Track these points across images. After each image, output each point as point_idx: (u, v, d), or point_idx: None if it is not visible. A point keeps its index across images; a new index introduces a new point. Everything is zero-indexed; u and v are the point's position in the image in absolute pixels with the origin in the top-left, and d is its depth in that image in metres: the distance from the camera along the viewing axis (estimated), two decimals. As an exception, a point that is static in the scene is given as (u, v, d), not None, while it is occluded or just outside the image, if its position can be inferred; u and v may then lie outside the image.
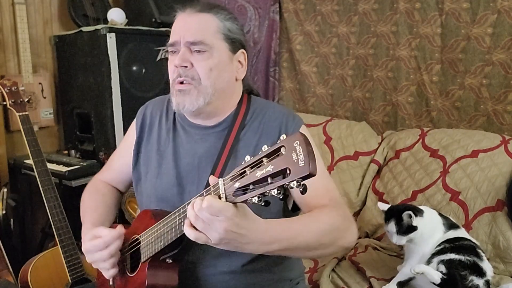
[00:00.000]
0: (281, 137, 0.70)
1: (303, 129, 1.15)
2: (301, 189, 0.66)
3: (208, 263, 1.10)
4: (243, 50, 1.14)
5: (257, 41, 2.70)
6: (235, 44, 1.12)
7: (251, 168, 0.72)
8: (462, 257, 1.39)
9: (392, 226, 1.46)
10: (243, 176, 0.73)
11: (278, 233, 0.88)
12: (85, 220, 1.19)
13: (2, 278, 1.76)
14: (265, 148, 0.72)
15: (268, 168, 0.68)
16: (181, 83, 1.08)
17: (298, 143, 0.66)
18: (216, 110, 1.14)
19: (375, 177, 2.07)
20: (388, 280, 1.54)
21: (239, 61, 1.14)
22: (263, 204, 0.71)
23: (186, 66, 1.07)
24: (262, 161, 0.71)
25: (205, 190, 0.82)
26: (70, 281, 1.72)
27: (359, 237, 2.01)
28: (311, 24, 2.53)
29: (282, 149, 0.68)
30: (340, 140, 2.20)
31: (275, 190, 0.68)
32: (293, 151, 0.66)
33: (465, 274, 1.36)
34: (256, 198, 0.70)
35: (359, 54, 2.39)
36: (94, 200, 1.26)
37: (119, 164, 1.30)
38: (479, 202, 1.71)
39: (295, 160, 0.65)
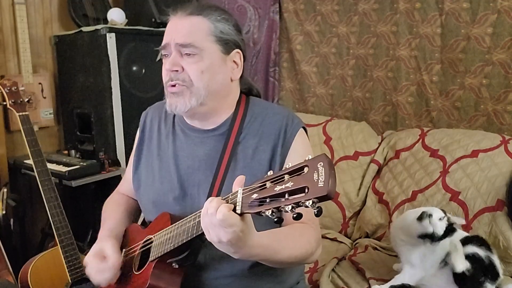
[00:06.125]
0: (307, 157, 0.70)
1: (301, 133, 1.15)
2: (315, 210, 0.67)
3: (210, 267, 1.10)
4: (238, 50, 1.13)
5: (257, 41, 2.70)
6: (228, 45, 1.11)
7: (272, 182, 0.73)
8: (482, 253, 1.39)
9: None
10: (262, 189, 0.74)
11: (262, 250, 0.90)
12: (102, 228, 1.22)
13: (2, 278, 1.76)
14: (289, 165, 0.72)
15: (288, 184, 0.69)
16: (173, 86, 1.09)
17: (322, 164, 0.67)
18: (211, 111, 1.13)
19: (375, 177, 2.07)
20: (387, 281, 1.54)
21: (234, 61, 1.13)
22: (275, 219, 0.71)
23: (177, 70, 1.08)
24: (283, 177, 0.71)
25: (229, 195, 0.82)
26: (70, 281, 1.72)
27: (359, 237, 2.01)
28: (311, 24, 2.53)
29: (305, 169, 0.69)
30: (340, 140, 2.20)
31: (290, 207, 0.68)
32: (315, 171, 0.67)
33: (483, 281, 1.36)
34: (269, 211, 0.71)
35: (359, 54, 2.39)
36: (110, 210, 1.30)
37: (130, 175, 1.30)
38: (479, 202, 1.71)
39: (315, 180, 0.66)
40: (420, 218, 1.44)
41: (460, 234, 1.50)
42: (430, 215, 1.42)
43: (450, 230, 1.46)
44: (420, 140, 2.00)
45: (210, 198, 0.82)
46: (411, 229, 1.47)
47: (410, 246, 1.50)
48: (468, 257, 1.39)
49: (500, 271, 1.41)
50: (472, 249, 1.41)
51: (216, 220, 0.78)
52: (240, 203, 0.77)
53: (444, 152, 1.88)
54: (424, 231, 1.42)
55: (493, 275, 1.39)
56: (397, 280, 1.51)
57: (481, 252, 1.40)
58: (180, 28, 1.08)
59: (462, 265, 1.34)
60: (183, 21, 1.09)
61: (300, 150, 1.12)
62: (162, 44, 1.11)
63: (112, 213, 1.28)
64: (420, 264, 1.48)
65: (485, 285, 1.36)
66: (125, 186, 1.36)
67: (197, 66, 1.07)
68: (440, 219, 1.42)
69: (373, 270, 1.66)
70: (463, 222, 1.51)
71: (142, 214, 1.35)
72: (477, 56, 2.04)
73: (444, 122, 2.17)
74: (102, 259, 1.10)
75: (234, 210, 0.78)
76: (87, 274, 1.11)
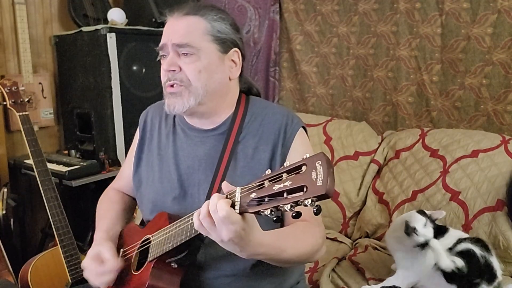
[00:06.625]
0: (304, 156, 0.70)
1: (301, 132, 1.15)
2: (314, 209, 0.67)
3: (210, 266, 1.10)
4: (236, 49, 1.13)
5: (257, 41, 2.70)
6: (225, 44, 1.11)
7: (270, 181, 0.73)
8: (478, 251, 1.38)
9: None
10: (261, 188, 0.73)
11: (268, 249, 0.90)
12: (97, 227, 1.22)
13: (2, 278, 1.76)
14: (287, 164, 0.72)
15: (286, 183, 0.69)
16: (172, 86, 1.09)
17: (320, 163, 0.67)
18: (210, 111, 1.13)
19: (375, 177, 2.07)
20: (388, 281, 1.54)
21: (232, 60, 1.13)
22: (274, 218, 0.71)
23: (174, 70, 1.08)
24: (281, 176, 0.71)
25: (227, 195, 0.82)
26: (70, 281, 1.72)
27: (359, 237, 2.01)
28: (311, 24, 2.53)
29: (303, 167, 0.69)
30: (340, 140, 2.20)
31: (288, 206, 0.68)
32: (314, 170, 0.67)
33: (478, 282, 1.36)
34: (268, 210, 0.71)
35: (359, 54, 2.39)
36: (105, 208, 1.29)
37: (128, 172, 1.30)
38: (479, 202, 1.71)
39: (314, 179, 0.66)
40: (407, 232, 1.44)
41: (455, 233, 1.50)
42: (414, 229, 1.42)
43: (440, 231, 1.47)
44: (420, 140, 1.99)
45: (207, 201, 0.82)
46: (404, 241, 1.47)
47: (403, 251, 1.51)
48: (462, 253, 1.39)
49: (498, 273, 1.40)
50: (466, 245, 1.42)
51: (218, 217, 0.78)
52: (239, 202, 0.77)
53: (444, 152, 1.88)
54: (418, 243, 1.43)
55: (490, 277, 1.38)
56: (389, 282, 1.51)
57: (476, 250, 1.40)
58: (176, 29, 1.09)
59: (446, 263, 1.34)
60: (180, 21, 1.10)
61: (300, 150, 1.12)
62: (160, 45, 1.11)
63: (107, 212, 1.27)
64: (412, 267, 1.48)
65: (481, 286, 1.36)
66: (121, 182, 1.36)
67: (194, 65, 1.07)
68: (424, 225, 1.43)
69: (373, 270, 1.66)
70: (443, 213, 1.51)
71: (136, 211, 1.35)
72: (477, 56, 2.04)
73: (444, 122, 2.17)
74: (100, 263, 1.09)
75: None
76: (86, 278, 1.11)
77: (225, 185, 0.83)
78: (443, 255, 1.37)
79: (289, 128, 1.13)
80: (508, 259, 1.62)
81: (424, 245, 1.43)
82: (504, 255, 1.62)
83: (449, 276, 1.35)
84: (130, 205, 1.34)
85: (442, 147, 1.91)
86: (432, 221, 1.45)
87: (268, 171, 0.75)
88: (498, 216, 1.66)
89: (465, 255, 1.38)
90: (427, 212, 1.49)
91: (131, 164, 1.28)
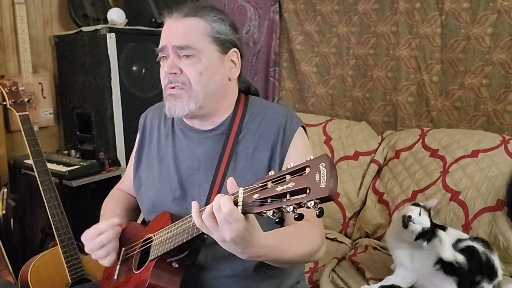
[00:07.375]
0: (308, 157, 0.70)
1: (300, 131, 1.15)
2: (317, 211, 0.66)
3: (211, 267, 1.10)
4: (235, 49, 1.13)
5: (257, 41, 2.70)
6: (225, 45, 1.11)
7: (273, 182, 0.73)
8: (480, 248, 1.39)
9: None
10: (264, 189, 0.73)
11: (269, 251, 0.90)
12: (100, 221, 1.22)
13: (2, 278, 1.76)
14: (290, 165, 0.72)
15: (289, 184, 0.69)
16: (173, 88, 1.09)
17: (324, 165, 0.66)
18: (211, 112, 1.13)
19: (375, 177, 2.07)
20: (388, 281, 1.54)
21: (232, 61, 1.14)
22: (277, 220, 0.71)
23: (175, 73, 1.08)
24: (284, 178, 0.71)
25: (230, 195, 0.82)
26: (70, 281, 1.72)
27: (359, 237, 2.01)
28: (311, 24, 2.53)
29: (307, 169, 0.69)
30: (340, 140, 2.20)
31: (291, 207, 0.68)
32: (317, 172, 0.67)
33: (479, 281, 1.36)
34: (271, 212, 0.71)
35: (359, 54, 2.39)
36: (110, 207, 1.30)
37: (131, 173, 1.31)
38: (479, 202, 1.71)
39: (317, 181, 0.66)
40: (404, 225, 1.45)
41: (454, 233, 1.50)
42: (409, 217, 1.44)
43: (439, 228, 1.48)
44: (420, 140, 2.00)
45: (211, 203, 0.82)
46: (405, 236, 1.48)
47: (403, 249, 1.51)
48: (463, 250, 1.39)
49: (499, 272, 1.40)
50: (468, 243, 1.43)
51: (221, 216, 0.78)
52: (241, 203, 0.77)
53: (444, 152, 1.88)
54: (416, 233, 1.44)
55: (491, 274, 1.39)
56: (388, 281, 1.51)
57: (478, 247, 1.41)
58: (176, 30, 1.09)
59: (447, 253, 1.35)
60: (179, 23, 1.09)
61: (299, 149, 1.12)
62: (159, 46, 1.11)
63: (112, 210, 1.28)
64: (411, 266, 1.48)
65: (481, 285, 1.37)
66: (126, 183, 1.37)
67: (195, 67, 1.07)
68: (419, 214, 1.45)
69: (373, 270, 1.66)
70: (435, 201, 1.53)
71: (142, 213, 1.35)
72: (477, 56, 2.04)
73: (444, 122, 2.17)
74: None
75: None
76: (87, 252, 1.10)
77: (231, 181, 0.82)
78: (447, 245, 1.37)
79: (288, 128, 1.13)
80: (508, 259, 1.62)
81: (425, 236, 1.43)
82: (504, 255, 1.62)
83: (448, 268, 1.36)
84: (135, 206, 1.34)
85: (442, 147, 1.91)
86: (427, 210, 1.47)
87: (272, 172, 0.75)
88: (498, 216, 1.66)
89: (467, 252, 1.39)
90: (420, 203, 1.51)
91: (132, 166, 1.28)
